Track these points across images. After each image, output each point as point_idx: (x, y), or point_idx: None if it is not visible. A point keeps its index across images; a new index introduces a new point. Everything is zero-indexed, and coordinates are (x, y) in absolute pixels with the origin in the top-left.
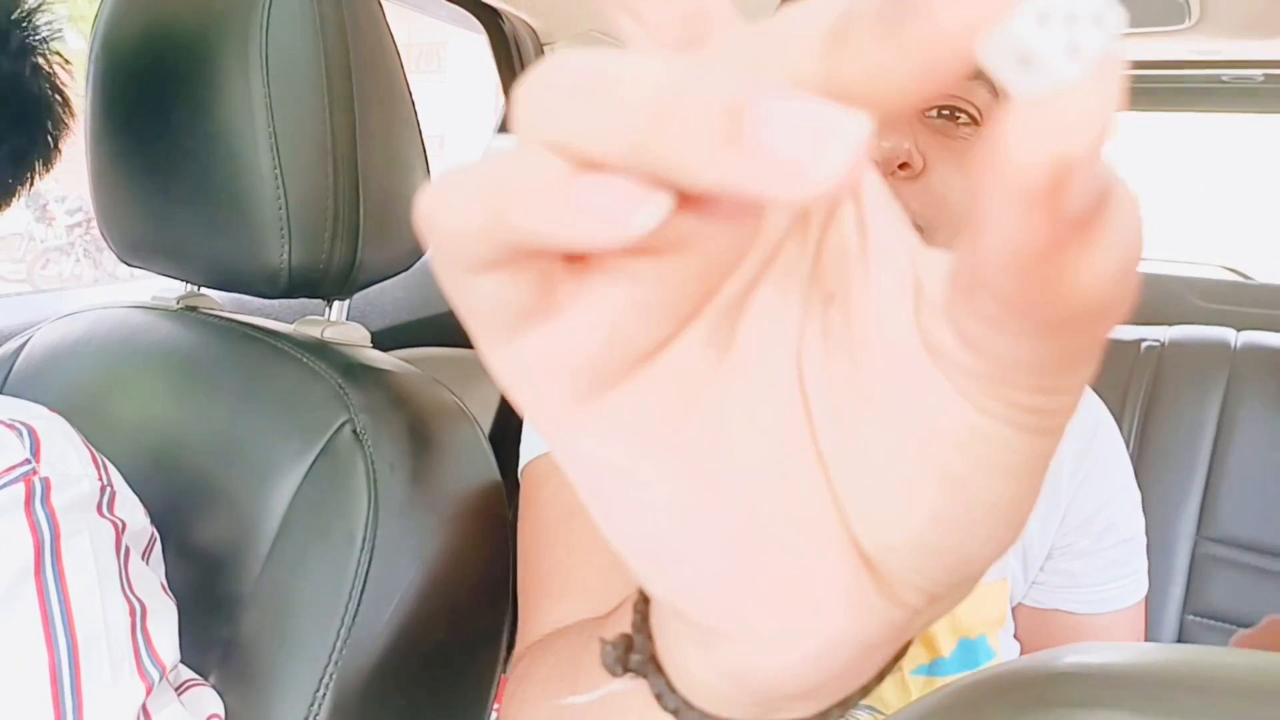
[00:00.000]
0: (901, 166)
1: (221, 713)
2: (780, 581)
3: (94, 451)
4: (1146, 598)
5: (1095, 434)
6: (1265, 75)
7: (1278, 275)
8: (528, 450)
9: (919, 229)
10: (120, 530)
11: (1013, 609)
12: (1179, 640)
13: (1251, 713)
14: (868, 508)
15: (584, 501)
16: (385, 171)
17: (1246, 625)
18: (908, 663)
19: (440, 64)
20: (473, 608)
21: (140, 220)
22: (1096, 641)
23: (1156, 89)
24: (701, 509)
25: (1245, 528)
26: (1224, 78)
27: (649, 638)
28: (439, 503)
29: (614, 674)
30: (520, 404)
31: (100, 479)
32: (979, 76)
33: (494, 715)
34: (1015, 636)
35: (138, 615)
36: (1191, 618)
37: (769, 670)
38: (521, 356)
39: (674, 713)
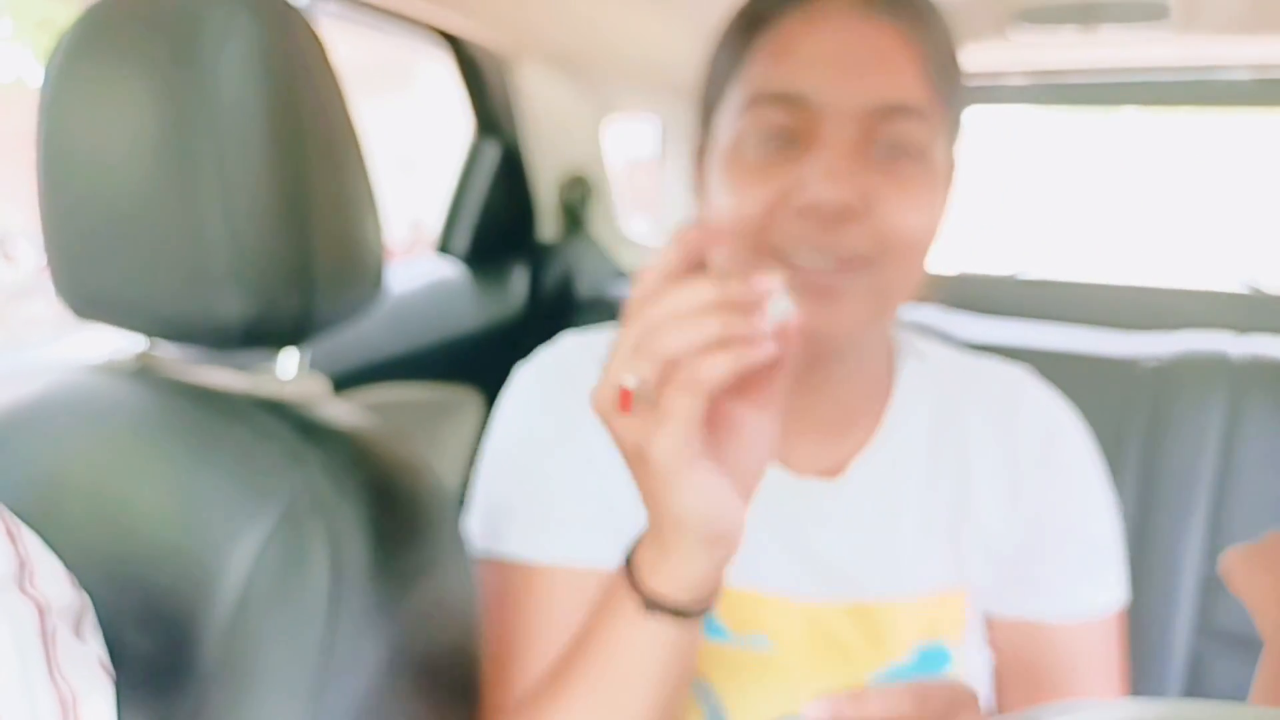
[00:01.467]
0: (848, 215)
1: None
2: (741, 509)
3: (7, 521)
4: (1154, 620)
5: (1055, 439)
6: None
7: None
8: (487, 541)
9: (865, 263)
10: (43, 609)
11: (987, 618)
12: (1191, 663)
13: None
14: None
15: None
16: (336, 219)
17: (1259, 645)
18: (863, 669)
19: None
20: (443, 674)
21: (94, 275)
22: (1074, 696)
23: (1145, 86)
24: (729, 487)
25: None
26: (1212, 78)
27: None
28: (404, 566)
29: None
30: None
31: (17, 553)
32: (904, 117)
33: None
34: (990, 646)
35: (69, 704)
36: (1204, 640)
37: (732, 550)
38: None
39: (650, 609)
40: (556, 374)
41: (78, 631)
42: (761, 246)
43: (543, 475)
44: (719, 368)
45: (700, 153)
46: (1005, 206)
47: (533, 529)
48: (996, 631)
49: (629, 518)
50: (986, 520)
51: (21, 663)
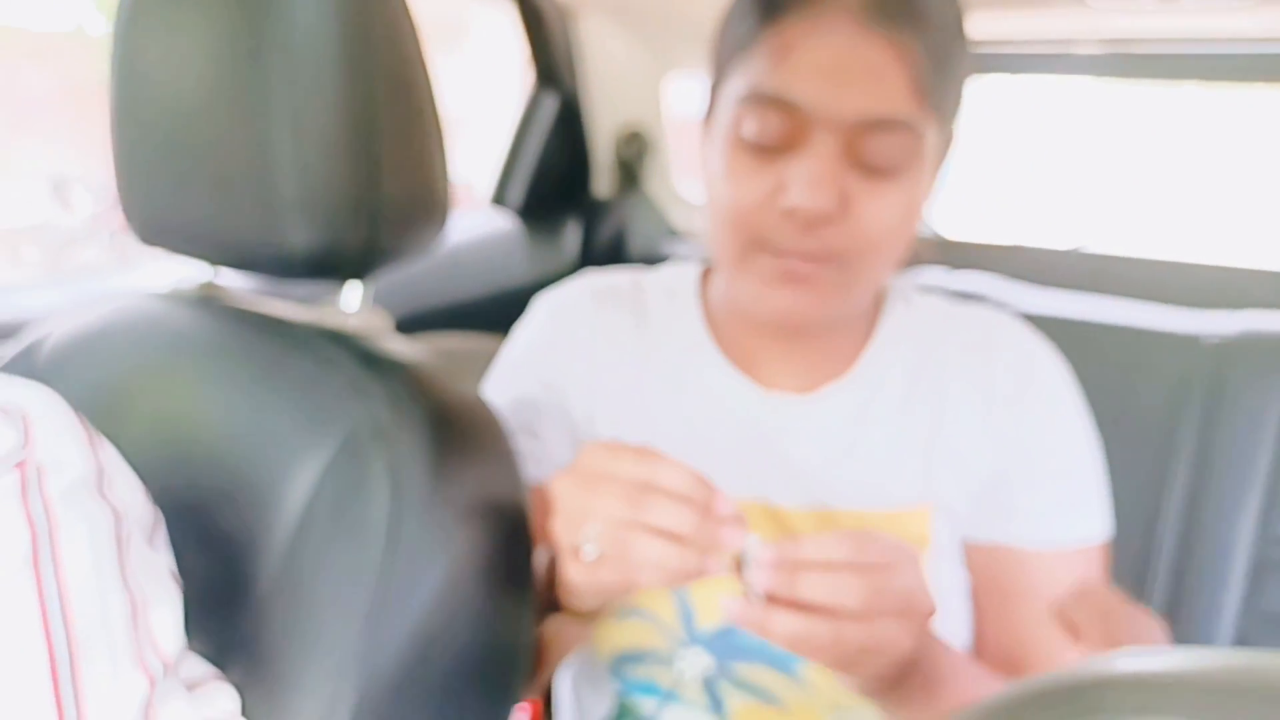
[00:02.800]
0: (826, 220)
1: (237, 708)
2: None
3: (90, 431)
4: (1203, 600)
5: (1030, 372)
6: None
7: None
8: None
9: (837, 262)
10: (119, 516)
11: (964, 544)
12: (1237, 644)
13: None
14: None
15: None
16: (404, 153)
17: None
18: None
19: (462, 43)
20: (498, 609)
21: (161, 201)
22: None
23: (1219, 62)
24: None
25: None
26: None
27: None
28: (462, 499)
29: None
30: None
31: (96, 460)
32: (889, 129)
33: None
34: (969, 570)
35: (139, 607)
36: (1252, 622)
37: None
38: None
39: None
40: (561, 311)
41: (151, 542)
42: (748, 237)
43: (512, 394)
44: (665, 562)
45: (709, 114)
46: (1069, 179)
47: None
48: (973, 555)
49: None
50: (959, 446)
51: (95, 564)
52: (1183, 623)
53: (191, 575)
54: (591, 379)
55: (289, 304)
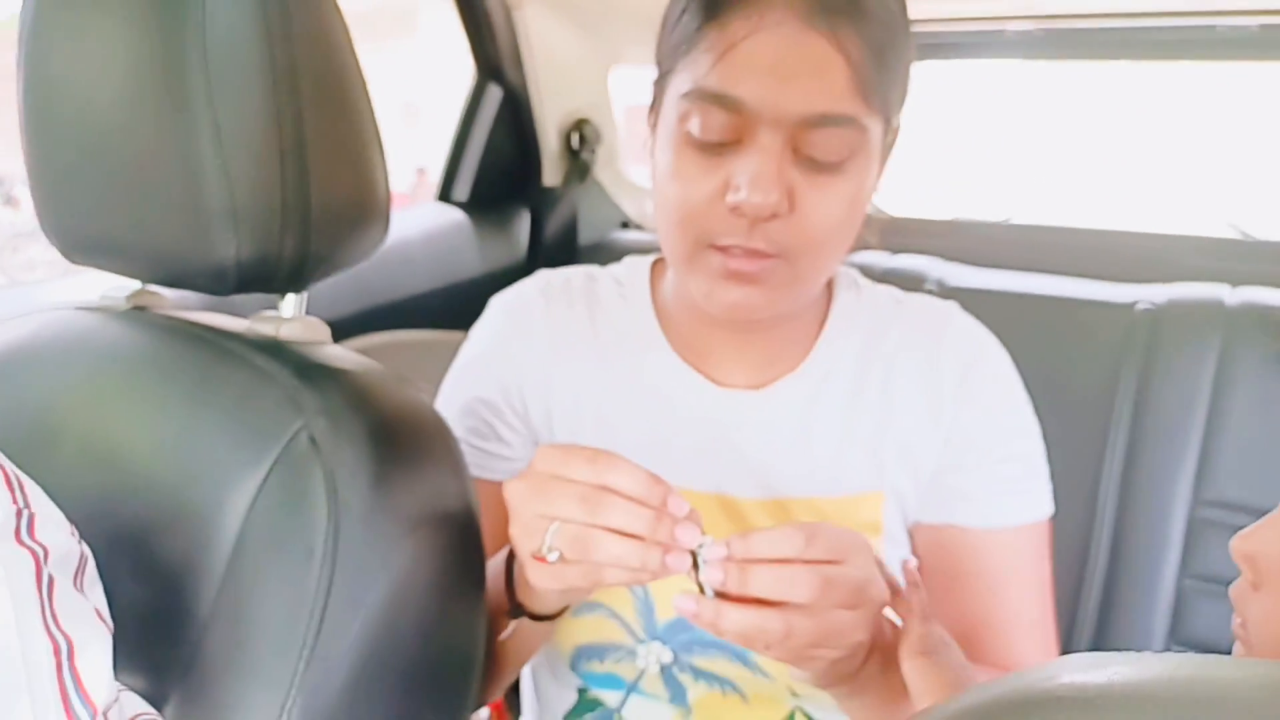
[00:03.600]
0: (773, 215)
1: None
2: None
3: (8, 471)
4: (1141, 561)
5: (975, 362)
6: (1261, 25)
7: (1277, 231)
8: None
9: (785, 257)
10: (42, 558)
11: (911, 527)
12: (1175, 603)
13: None
14: None
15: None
16: (337, 158)
17: None
18: None
19: (413, 29)
20: (447, 619)
21: (83, 217)
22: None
23: (1149, 40)
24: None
25: (1243, 490)
26: (1218, 27)
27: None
28: (406, 510)
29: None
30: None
31: (15, 502)
32: (834, 124)
33: None
34: (915, 553)
35: (64, 653)
36: (1189, 581)
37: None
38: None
39: (514, 607)
40: (515, 311)
41: (77, 582)
42: (697, 233)
43: (469, 397)
44: (626, 561)
45: (654, 108)
46: (999, 154)
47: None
48: (922, 535)
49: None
50: (907, 435)
51: (16, 611)
52: (1124, 585)
53: (126, 605)
54: (548, 379)
55: (222, 315)
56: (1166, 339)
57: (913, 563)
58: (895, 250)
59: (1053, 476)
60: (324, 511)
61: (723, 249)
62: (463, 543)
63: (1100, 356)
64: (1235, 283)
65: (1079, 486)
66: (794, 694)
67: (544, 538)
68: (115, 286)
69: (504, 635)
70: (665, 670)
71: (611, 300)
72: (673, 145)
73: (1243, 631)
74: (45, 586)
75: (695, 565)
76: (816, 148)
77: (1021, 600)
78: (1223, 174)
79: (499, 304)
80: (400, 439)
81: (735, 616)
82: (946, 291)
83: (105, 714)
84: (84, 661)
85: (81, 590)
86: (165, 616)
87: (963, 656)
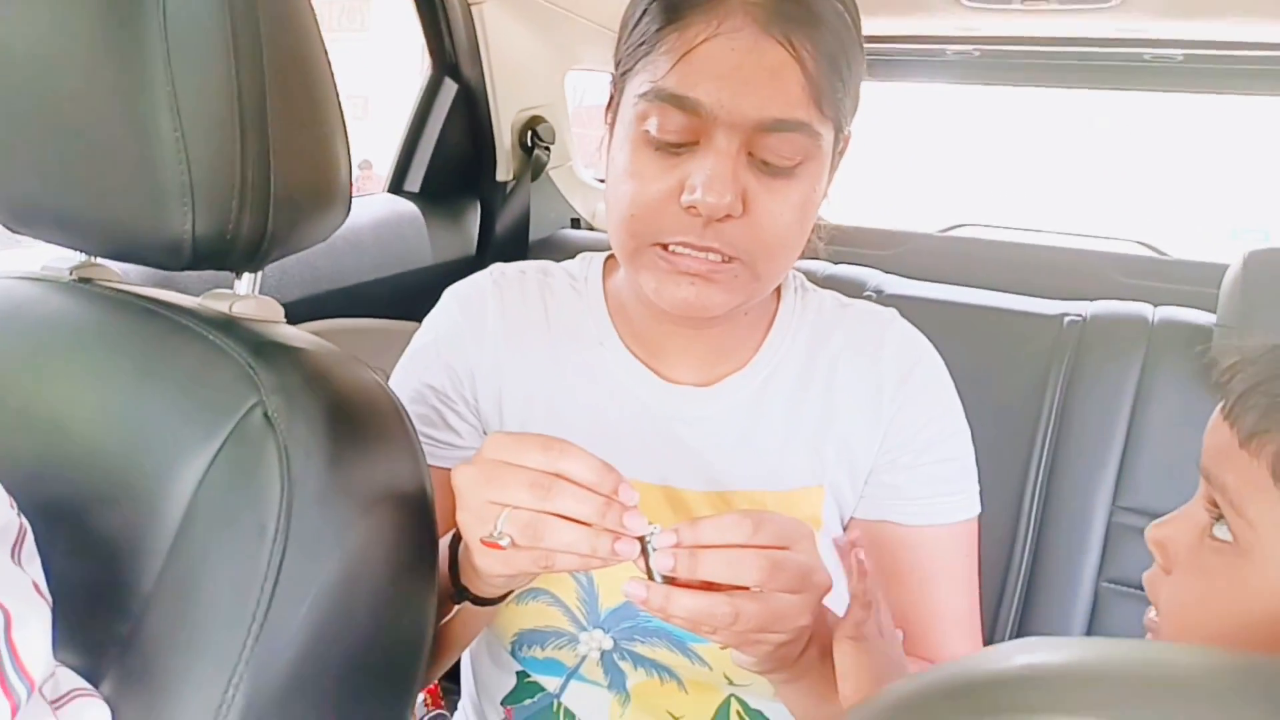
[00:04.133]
0: (726, 216)
1: None
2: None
3: None
4: (1062, 563)
5: (913, 367)
6: (1185, 55)
7: (1189, 251)
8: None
9: (741, 260)
10: None
11: (847, 522)
12: (1094, 607)
13: (1186, 710)
14: None
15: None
16: (299, 138)
17: None
18: None
19: (363, 22)
20: (398, 601)
21: (29, 185)
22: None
23: (1080, 66)
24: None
25: (1159, 498)
26: (1146, 56)
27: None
28: (359, 489)
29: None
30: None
31: None
32: (787, 129)
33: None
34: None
35: (0, 625)
36: (1106, 584)
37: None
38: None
39: (468, 600)
40: (470, 301)
41: (15, 555)
42: (651, 231)
43: (420, 383)
44: (576, 547)
45: (612, 106)
46: (940, 165)
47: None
48: (858, 530)
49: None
50: (848, 433)
51: None
52: (1045, 586)
53: (64, 581)
54: (499, 369)
55: (171, 291)
56: (1092, 352)
57: (861, 553)
58: (836, 260)
59: (980, 480)
60: (277, 489)
61: (668, 249)
62: (416, 524)
63: (1028, 367)
64: (1153, 299)
65: (1005, 490)
66: (730, 682)
67: (495, 524)
68: (57, 258)
69: (446, 618)
70: (605, 657)
71: (565, 294)
72: (630, 144)
73: (1154, 624)
74: None
75: (644, 552)
76: (770, 152)
77: (952, 595)
78: (1136, 195)
79: (452, 294)
80: (356, 419)
81: (684, 601)
82: (884, 300)
83: (41, 689)
84: (21, 635)
85: (19, 563)
86: (104, 592)
87: (902, 653)
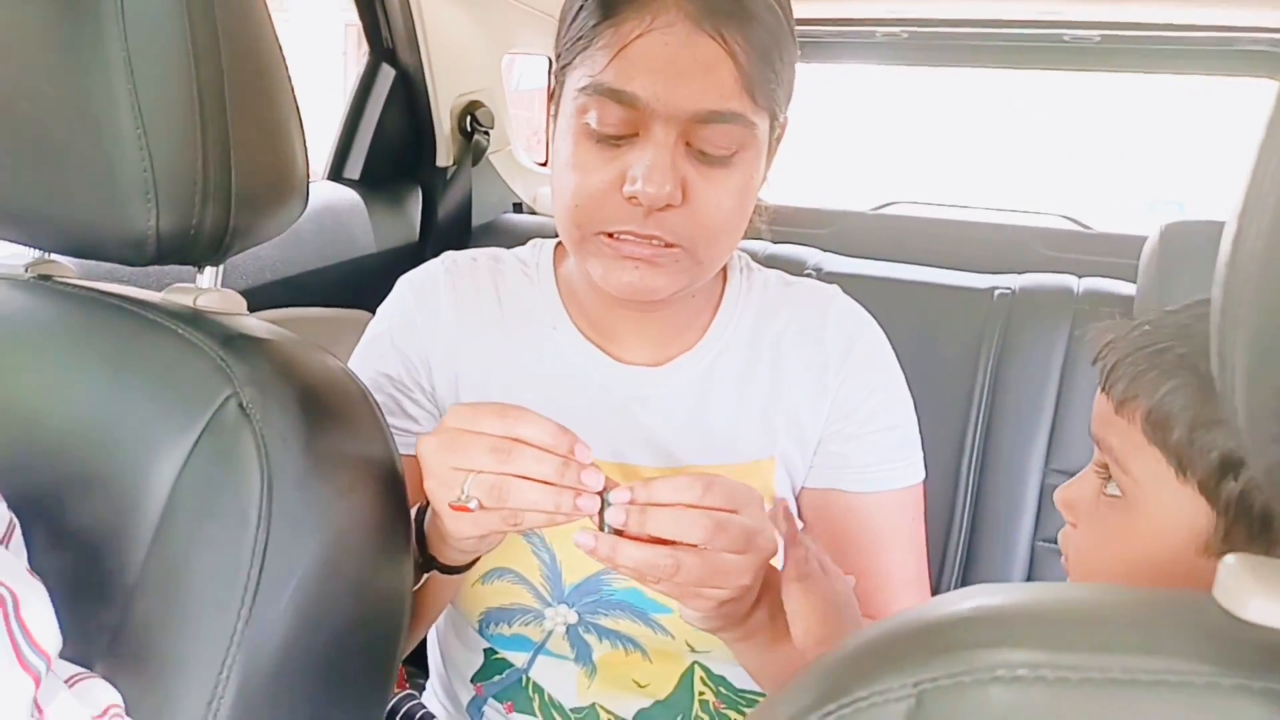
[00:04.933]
0: (667, 205)
1: (120, 703)
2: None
3: None
4: (1000, 524)
5: (856, 340)
6: (1102, 36)
7: (1110, 223)
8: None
9: (684, 247)
10: None
11: (799, 493)
12: (1030, 565)
13: (1126, 640)
14: None
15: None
16: (258, 132)
17: None
18: None
19: (282, 3)
20: (378, 579)
21: None
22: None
23: (1004, 47)
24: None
25: (1088, 459)
26: (1065, 37)
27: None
28: (336, 473)
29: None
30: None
31: None
32: (722, 121)
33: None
34: (800, 516)
35: (9, 604)
36: (1041, 543)
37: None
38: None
39: (425, 561)
40: (423, 289)
41: (5, 544)
42: (594, 221)
43: (376, 372)
44: (541, 505)
45: (554, 98)
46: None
47: None
48: (808, 499)
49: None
50: (796, 406)
51: None
52: (984, 546)
53: (44, 572)
54: (454, 355)
55: (130, 287)
56: (1021, 323)
57: (782, 505)
58: (776, 240)
59: (921, 447)
60: (257, 477)
61: (613, 236)
62: (391, 504)
63: (962, 338)
64: (1078, 270)
65: (944, 457)
66: (693, 649)
67: (461, 488)
68: (9, 255)
69: (414, 587)
70: (571, 630)
71: (517, 280)
72: (572, 136)
73: (1068, 571)
74: None
75: (601, 508)
76: (707, 143)
77: (899, 557)
78: (1059, 170)
79: (406, 282)
80: (328, 406)
81: (630, 551)
82: (823, 277)
83: (56, 664)
84: (29, 613)
85: (9, 549)
86: (88, 582)
87: (846, 586)
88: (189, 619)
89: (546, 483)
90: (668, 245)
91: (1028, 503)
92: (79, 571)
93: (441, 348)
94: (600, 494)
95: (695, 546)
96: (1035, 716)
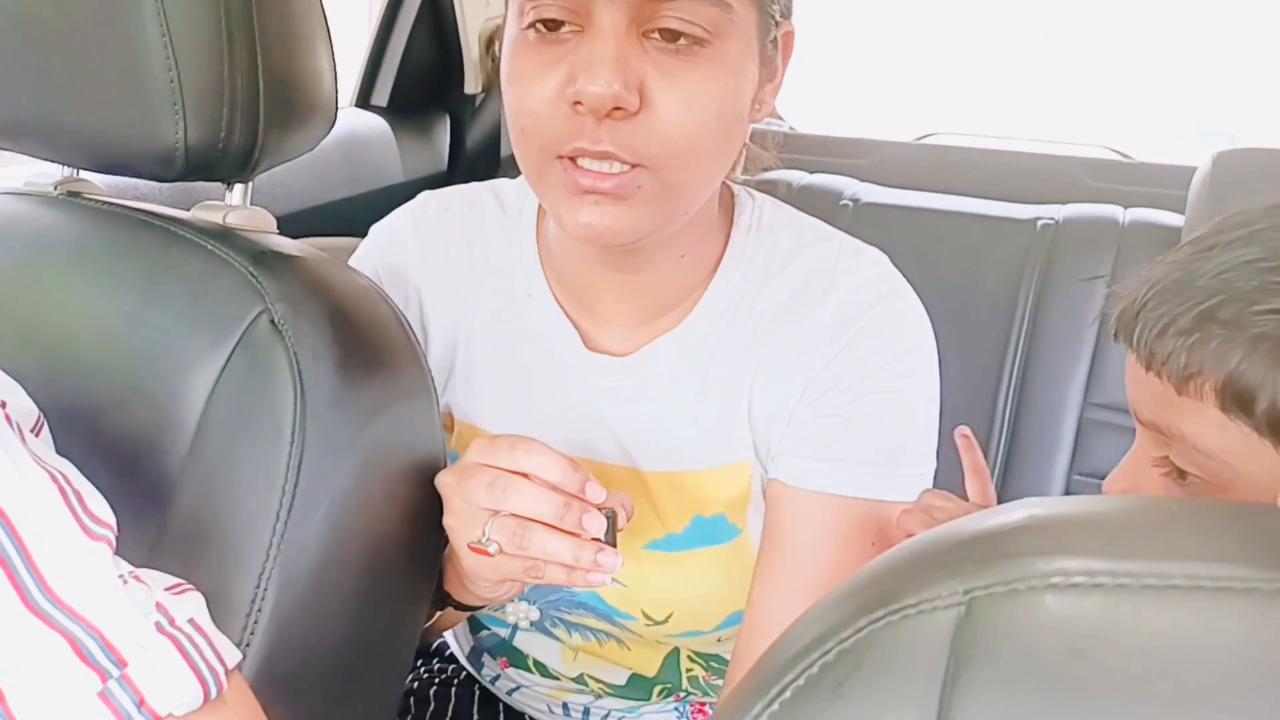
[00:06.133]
0: (616, 109)
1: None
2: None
3: None
4: (1036, 458)
5: (852, 324)
6: None
7: (1160, 155)
8: None
9: (645, 166)
10: (6, 409)
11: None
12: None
13: (1188, 548)
14: None
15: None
16: (285, 44)
17: None
18: (640, 538)
19: None
20: (412, 495)
21: (12, 98)
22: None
23: None
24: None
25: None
26: None
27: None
28: (368, 391)
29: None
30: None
31: None
32: None
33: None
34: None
35: (61, 480)
36: (1078, 477)
37: (513, 594)
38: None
39: (452, 606)
40: (389, 245)
41: (38, 435)
42: (543, 142)
43: None
44: (559, 556)
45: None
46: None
47: None
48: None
49: None
50: (770, 403)
51: (5, 451)
52: (1020, 481)
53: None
54: (420, 315)
55: (158, 205)
56: (1064, 254)
57: (963, 434)
58: (812, 170)
59: (956, 378)
60: (290, 392)
61: (570, 159)
62: (424, 426)
63: (1003, 269)
64: (1123, 202)
65: (981, 388)
66: (666, 634)
67: (482, 530)
68: (37, 174)
69: (426, 624)
70: (537, 624)
71: (494, 234)
72: (514, 45)
73: None
74: (17, 430)
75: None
76: (669, 21)
77: (788, 588)
78: (1100, 97)
79: (373, 240)
80: (360, 324)
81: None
82: (861, 207)
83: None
84: (81, 485)
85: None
86: (124, 498)
87: None
88: (225, 531)
89: (568, 532)
90: (632, 167)
91: (1065, 437)
92: (116, 486)
93: (412, 307)
94: (612, 519)
95: None
96: (1091, 625)
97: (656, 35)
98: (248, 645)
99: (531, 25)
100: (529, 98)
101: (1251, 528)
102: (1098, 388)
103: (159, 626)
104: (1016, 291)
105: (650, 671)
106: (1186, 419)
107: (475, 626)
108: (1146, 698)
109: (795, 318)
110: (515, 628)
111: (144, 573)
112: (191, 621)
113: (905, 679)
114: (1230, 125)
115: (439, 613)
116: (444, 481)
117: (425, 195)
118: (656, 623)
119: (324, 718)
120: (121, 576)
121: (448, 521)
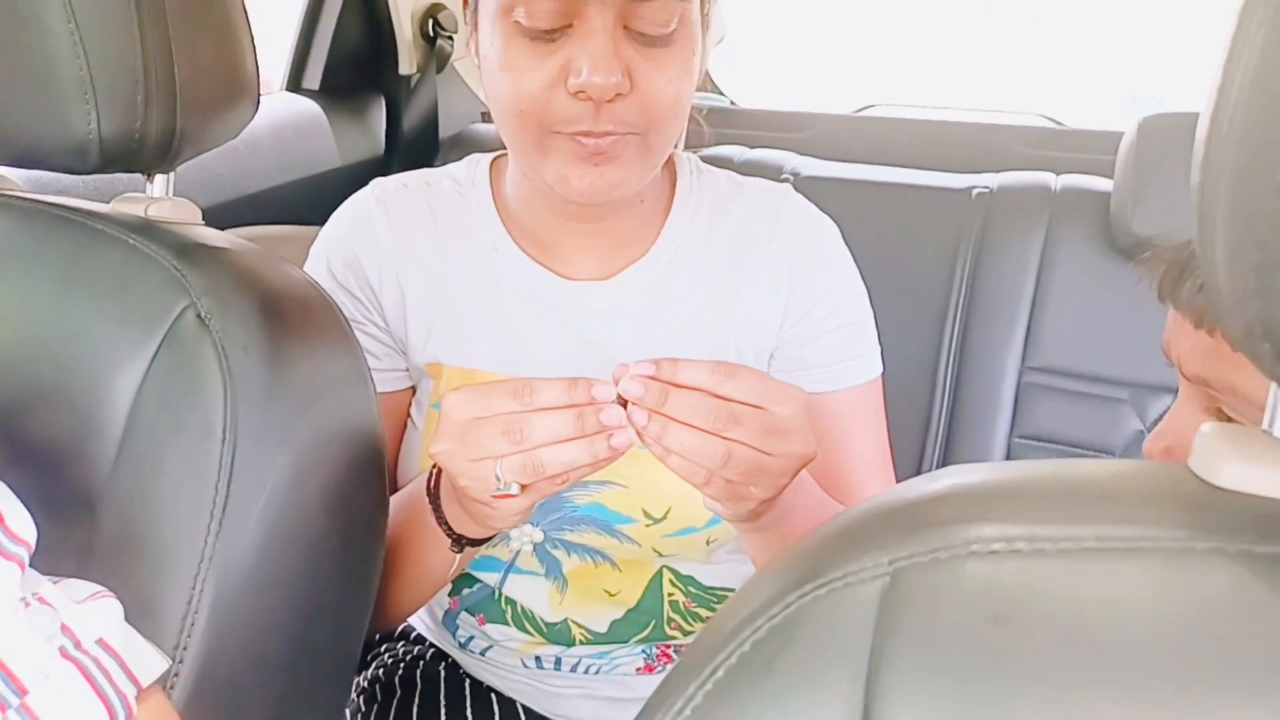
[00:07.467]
0: (616, 95)
1: (103, 590)
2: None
3: None
4: (977, 422)
5: (812, 239)
6: None
7: (1092, 120)
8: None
9: (634, 134)
10: None
11: None
12: (1007, 459)
13: (1101, 511)
14: None
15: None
16: (201, 28)
17: (1067, 444)
18: (636, 441)
19: None
20: (350, 491)
21: None
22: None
23: None
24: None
25: (1064, 357)
26: None
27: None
28: (301, 384)
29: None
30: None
31: None
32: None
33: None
34: None
35: None
36: (1019, 440)
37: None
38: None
39: (456, 541)
40: (357, 221)
41: None
42: (542, 123)
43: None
44: (578, 461)
45: (468, 2)
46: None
47: None
48: None
49: None
50: (752, 311)
51: None
52: (962, 444)
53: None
54: (398, 285)
55: (75, 199)
56: (999, 221)
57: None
58: (752, 145)
59: (897, 346)
60: (219, 389)
61: (572, 134)
62: (361, 414)
63: (941, 238)
64: (1055, 168)
65: (921, 355)
66: (659, 554)
67: (496, 479)
68: None
69: (452, 571)
70: (539, 549)
71: (452, 202)
72: (501, 36)
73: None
74: None
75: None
76: (647, 21)
77: (864, 450)
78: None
79: (339, 217)
80: (290, 315)
81: (680, 435)
82: (801, 181)
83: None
84: (3, 505)
85: None
86: (51, 503)
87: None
88: (157, 538)
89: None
90: (620, 135)
91: (1004, 400)
92: (43, 491)
93: (388, 278)
94: (623, 401)
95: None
96: (1011, 590)
97: (636, 30)
98: (184, 649)
99: (522, 14)
100: (527, 84)
101: (1160, 489)
102: (1035, 352)
103: (63, 651)
104: (954, 260)
105: (634, 599)
106: (1242, 372)
107: (455, 587)
108: (1065, 660)
109: (761, 235)
110: (511, 565)
111: (61, 583)
112: (100, 642)
113: (833, 652)
114: (1159, 90)
115: (458, 555)
116: (441, 450)
117: (378, 180)
118: (656, 520)
119: (273, 718)
120: (24, 599)
121: (460, 485)
